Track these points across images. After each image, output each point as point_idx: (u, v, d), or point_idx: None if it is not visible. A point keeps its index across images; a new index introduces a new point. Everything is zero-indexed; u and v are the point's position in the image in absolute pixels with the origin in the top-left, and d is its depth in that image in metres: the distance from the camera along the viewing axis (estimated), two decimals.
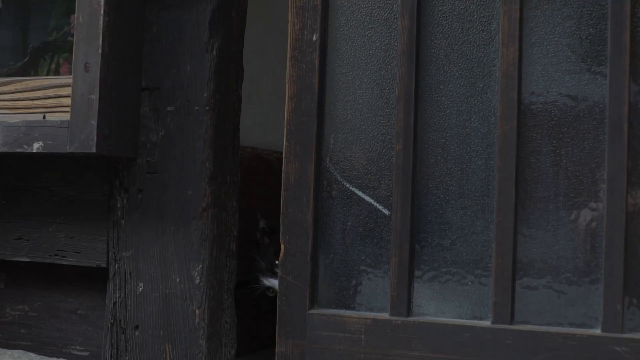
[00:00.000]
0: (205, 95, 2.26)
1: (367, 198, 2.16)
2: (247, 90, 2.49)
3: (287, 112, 2.21)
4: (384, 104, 2.15)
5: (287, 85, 2.22)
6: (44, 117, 2.30)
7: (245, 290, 2.54)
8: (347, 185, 2.18)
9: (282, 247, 2.21)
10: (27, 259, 2.49)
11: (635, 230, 1.93)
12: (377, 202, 2.15)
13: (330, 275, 2.21)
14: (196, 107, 2.27)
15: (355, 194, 2.18)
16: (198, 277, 2.25)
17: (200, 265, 2.25)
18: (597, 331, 1.94)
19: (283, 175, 2.22)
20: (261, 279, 2.52)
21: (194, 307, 2.25)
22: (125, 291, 2.34)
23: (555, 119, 2.00)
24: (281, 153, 2.24)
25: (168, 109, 2.30)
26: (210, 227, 2.27)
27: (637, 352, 1.89)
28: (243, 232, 2.50)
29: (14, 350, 2.25)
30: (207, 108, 2.26)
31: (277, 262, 2.34)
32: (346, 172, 2.19)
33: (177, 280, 2.27)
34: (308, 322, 2.18)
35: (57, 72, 2.72)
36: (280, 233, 2.21)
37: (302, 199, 2.19)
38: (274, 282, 2.48)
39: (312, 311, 2.18)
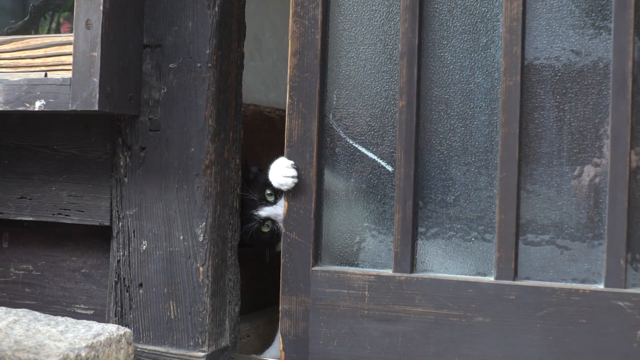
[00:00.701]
0: (208, 52, 2.25)
1: (371, 155, 2.17)
2: (249, 47, 2.48)
3: (290, 68, 2.22)
4: (387, 60, 2.16)
5: (289, 41, 2.23)
6: (46, 75, 2.29)
7: (248, 248, 2.53)
8: (351, 142, 2.19)
9: (286, 204, 2.23)
10: (30, 218, 2.50)
11: (639, 186, 1.94)
12: (381, 159, 2.16)
13: (333, 232, 2.23)
14: (198, 64, 2.26)
15: (359, 151, 2.19)
16: (202, 235, 2.25)
17: (204, 223, 2.25)
18: (600, 286, 1.96)
19: (286, 132, 2.23)
20: (254, 213, 2.50)
21: (198, 265, 2.26)
22: (129, 249, 2.35)
23: (559, 74, 2.00)
24: (284, 111, 2.24)
25: (170, 66, 2.29)
26: (213, 184, 2.27)
27: (639, 307, 1.90)
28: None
29: (18, 309, 2.24)
30: (210, 65, 2.25)
31: (268, 190, 2.44)
32: (349, 129, 2.20)
33: (181, 237, 2.28)
34: (312, 279, 2.20)
35: (57, 31, 2.70)
36: (284, 190, 2.23)
37: (306, 155, 2.20)
38: (268, 210, 2.48)
39: (316, 268, 2.20)
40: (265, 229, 2.45)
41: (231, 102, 2.36)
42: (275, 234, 2.44)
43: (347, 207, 2.21)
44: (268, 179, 2.32)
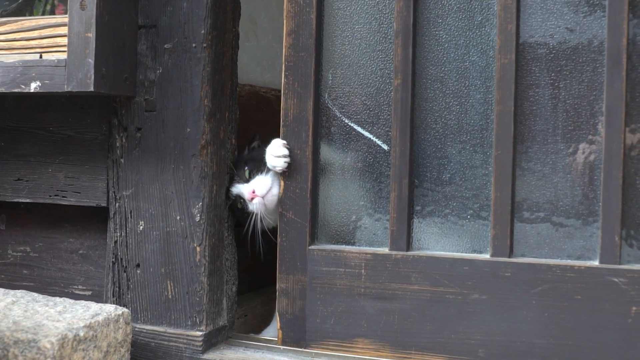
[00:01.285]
0: (202, 32, 2.25)
1: (366, 133, 2.18)
2: (244, 27, 2.48)
3: (285, 48, 2.22)
4: (382, 39, 2.16)
5: (284, 21, 2.23)
6: (41, 56, 2.29)
7: (244, 228, 2.54)
8: (346, 121, 2.20)
9: (282, 182, 2.24)
10: (27, 200, 2.50)
11: (633, 163, 1.95)
12: (376, 138, 2.17)
13: (330, 211, 2.24)
14: (193, 45, 2.26)
15: (354, 130, 2.19)
16: (198, 215, 2.26)
17: (200, 203, 2.26)
18: (595, 263, 1.98)
19: (282, 111, 2.24)
20: (229, 188, 2.41)
21: (195, 245, 2.27)
22: (126, 230, 2.36)
23: (554, 52, 2.01)
24: (279, 91, 2.24)
25: (165, 46, 2.29)
26: (209, 164, 2.27)
27: (634, 283, 1.92)
28: None
29: (16, 291, 2.25)
30: (205, 45, 2.25)
31: (245, 167, 2.38)
32: (345, 108, 2.20)
33: (178, 218, 2.29)
34: (308, 257, 2.22)
35: (52, 13, 2.70)
36: (278, 171, 2.25)
37: (301, 135, 2.21)
38: (239, 187, 2.39)
39: (313, 247, 2.22)
40: (239, 206, 2.41)
41: (226, 83, 2.36)
42: (245, 212, 2.39)
43: (343, 186, 2.22)
44: (255, 156, 2.32)
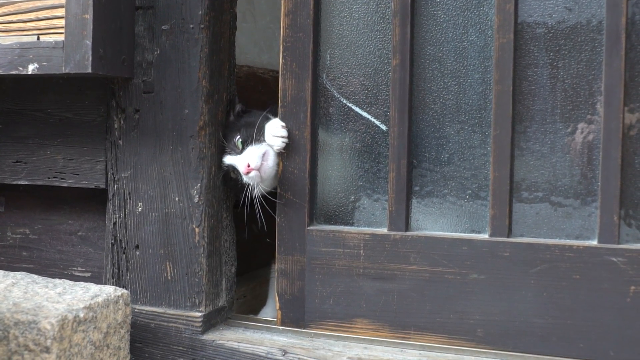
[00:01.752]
0: (200, 13, 2.24)
1: (365, 114, 2.18)
2: (241, 8, 2.47)
3: (283, 28, 2.22)
4: (380, 19, 2.15)
5: (282, 1, 2.22)
6: (38, 38, 2.28)
7: (243, 209, 2.53)
8: (344, 102, 2.19)
9: (281, 163, 2.24)
10: (26, 182, 2.50)
11: (632, 142, 1.95)
12: (375, 118, 2.17)
13: (328, 192, 2.25)
14: (191, 25, 2.25)
15: (353, 110, 2.19)
16: (197, 196, 2.26)
17: (199, 184, 2.26)
18: (594, 242, 1.98)
19: (280, 92, 2.24)
20: (222, 158, 2.36)
21: (194, 226, 2.27)
22: (124, 211, 2.36)
23: (553, 31, 2.00)
24: (277, 72, 2.24)
25: (163, 27, 2.29)
26: (207, 145, 2.27)
27: (633, 262, 1.92)
28: None
29: (16, 272, 2.25)
30: (202, 26, 2.24)
31: (238, 137, 2.31)
32: (343, 89, 2.20)
33: (176, 199, 2.29)
34: (307, 238, 2.22)
35: None
36: (275, 151, 2.24)
37: (300, 115, 2.21)
38: (231, 159, 2.33)
39: (311, 227, 2.22)
40: (233, 176, 2.37)
41: (224, 64, 2.36)
42: (239, 183, 2.33)
43: (341, 167, 2.22)
44: (245, 123, 2.31)
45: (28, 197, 2.60)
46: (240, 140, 2.31)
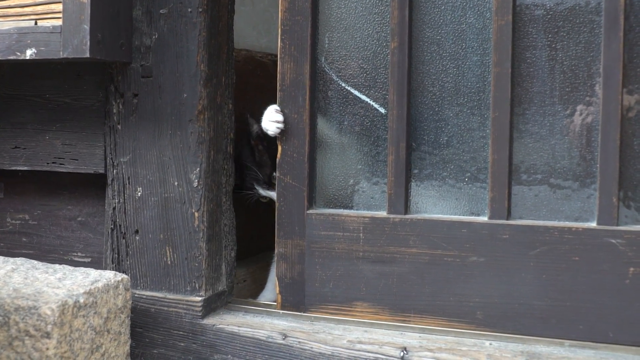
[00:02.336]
0: None
1: (363, 97, 2.17)
2: None
3: (281, 11, 2.21)
4: (378, 2, 2.15)
5: None
6: (36, 23, 2.27)
7: (242, 194, 2.54)
8: (343, 85, 2.19)
9: (280, 147, 2.23)
10: (25, 168, 2.50)
11: (631, 124, 1.95)
12: (373, 101, 2.16)
13: (327, 175, 2.24)
14: (189, 9, 2.24)
15: (351, 93, 2.19)
16: (196, 180, 2.26)
17: (198, 168, 2.25)
18: (593, 224, 1.98)
19: (278, 75, 2.23)
20: (256, 187, 2.51)
21: (193, 210, 2.26)
22: (124, 196, 2.35)
23: (551, 12, 2.00)
24: (276, 56, 2.23)
25: (161, 11, 2.28)
26: (206, 129, 2.26)
27: (632, 244, 1.92)
28: (239, 134, 2.50)
29: (16, 258, 2.24)
30: (200, 10, 2.23)
31: (274, 174, 2.34)
32: (342, 72, 2.20)
33: (176, 183, 2.28)
34: (307, 222, 2.22)
35: None
36: (277, 133, 2.23)
37: (298, 99, 2.20)
38: (271, 194, 2.49)
39: (311, 211, 2.22)
40: (264, 200, 2.57)
41: (223, 47, 2.35)
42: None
43: (340, 150, 2.22)
44: (274, 154, 2.32)
45: (27, 182, 2.60)
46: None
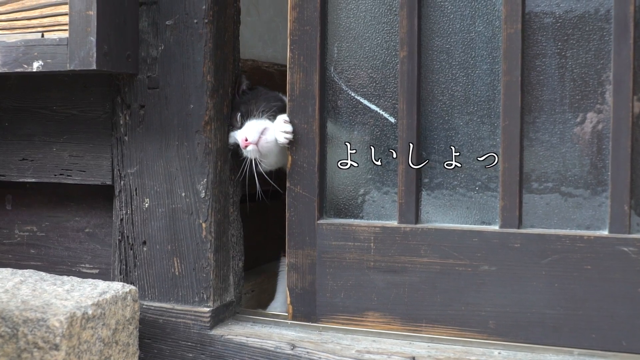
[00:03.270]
0: (204, 7, 2.20)
1: (373, 106, 2.14)
2: (245, 2, 2.44)
3: (290, 22, 2.18)
4: (387, 11, 2.12)
5: None
6: (43, 35, 2.25)
7: (250, 204, 2.50)
8: (352, 95, 2.16)
9: (290, 157, 2.20)
10: (33, 180, 2.47)
11: None
12: (383, 110, 2.13)
13: (338, 185, 2.21)
14: (195, 20, 2.21)
15: (361, 103, 2.15)
16: (203, 191, 2.23)
17: (205, 179, 2.22)
18: (605, 232, 1.94)
19: (288, 86, 2.20)
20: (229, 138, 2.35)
21: (201, 221, 2.23)
22: (131, 207, 2.32)
23: (560, 20, 1.97)
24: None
25: (167, 23, 2.25)
26: (213, 140, 2.24)
27: None
28: None
29: (24, 270, 2.23)
30: (206, 21, 2.20)
31: (238, 113, 2.30)
32: (351, 81, 2.16)
33: (183, 194, 2.25)
34: (317, 232, 2.18)
35: None
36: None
37: (308, 109, 2.17)
38: (233, 135, 2.31)
39: (321, 221, 2.19)
40: (240, 153, 2.32)
41: (229, 58, 2.33)
42: (242, 157, 2.30)
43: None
44: (247, 100, 2.29)
45: (35, 194, 2.57)
46: (240, 114, 2.30)
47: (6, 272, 2.23)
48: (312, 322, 2.22)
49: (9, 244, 2.62)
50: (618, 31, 1.90)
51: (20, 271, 2.24)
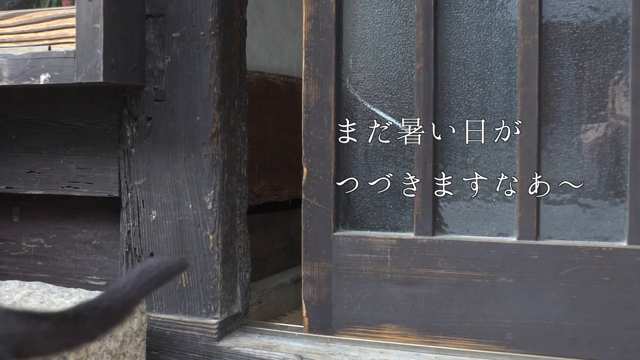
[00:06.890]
0: (210, 20, 2.07)
1: (389, 118, 1.99)
2: (251, 14, 2.31)
3: (305, 33, 2.04)
4: (403, 22, 1.98)
5: (303, 6, 2.05)
6: (49, 48, 2.12)
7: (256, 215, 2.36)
8: (368, 106, 2.02)
9: (305, 169, 2.06)
10: (40, 192, 2.33)
11: None
12: (399, 122, 1.98)
13: (354, 197, 2.06)
14: (201, 33, 2.08)
15: (377, 114, 2.01)
16: (210, 203, 2.09)
17: (212, 191, 2.08)
18: (623, 244, 1.81)
19: (303, 97, 2.06)
20: None
21: (208, 233, 2.09)
22: (138, 219, 2.18)
23: (578, 31, 1.83)
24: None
25: (173, 35, 2.11)
26: (220, 152, 2.10)
27: None
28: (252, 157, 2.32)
29: (32, 282, 2.13)
30: (213, 33, 2.07)
31: None
32: (366, 93, 2.02)
33: (190, 206, 2.11)
34: (333, 244, 2.04)
35: (59, 4, 2.59)
36: (302, 156, 2.06)
37: (323, 120, 2.03)
38: None
39: (337, 233, 2.04)
40: None
41: (235, 70, 2.18)
42: None
43: (366, 172, 2.04)
44: None
45: (42, 207, 2.43)
46: None
47: (14, 284, 2.10)
48: (328, 335, 2.07)
49: (17, 256, 2.48)
50: (636, 41, 1.77)
51: (27, 283, 2.11)
